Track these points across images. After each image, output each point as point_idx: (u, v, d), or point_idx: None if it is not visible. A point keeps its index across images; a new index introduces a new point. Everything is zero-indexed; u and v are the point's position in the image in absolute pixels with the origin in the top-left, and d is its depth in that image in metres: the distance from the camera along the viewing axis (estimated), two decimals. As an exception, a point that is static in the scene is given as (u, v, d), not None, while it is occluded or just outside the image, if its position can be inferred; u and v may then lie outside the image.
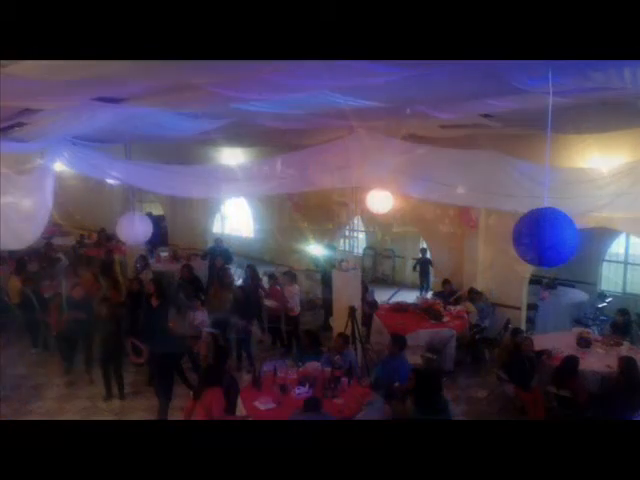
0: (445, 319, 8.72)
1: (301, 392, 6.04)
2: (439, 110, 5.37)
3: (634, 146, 7.31)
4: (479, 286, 9.68)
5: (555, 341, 7.64)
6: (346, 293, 8.21)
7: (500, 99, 4.62)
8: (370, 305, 9.24)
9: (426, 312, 8.86)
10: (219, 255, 11.74)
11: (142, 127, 6.32)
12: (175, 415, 6.78)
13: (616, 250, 11.31)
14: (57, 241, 14.80)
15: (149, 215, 9.68)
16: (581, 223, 4.93)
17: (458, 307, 9.17)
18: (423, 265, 12.29)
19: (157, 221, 13.18)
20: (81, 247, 14.50)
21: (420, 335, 8.25)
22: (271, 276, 10.13)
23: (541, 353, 7.18)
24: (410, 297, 10.81)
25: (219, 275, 10.44)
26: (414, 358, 7.57)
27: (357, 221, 13.14)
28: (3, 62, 2.68)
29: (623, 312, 8.43)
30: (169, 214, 16.12)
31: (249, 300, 8.90)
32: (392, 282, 13.90)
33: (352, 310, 7.77)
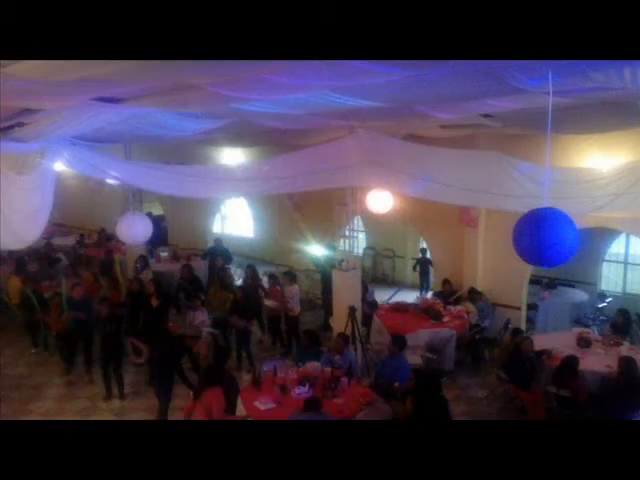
0: (445, 319, 8.72)
1: (301, 392, 6.04)
2: (439, 110, 5.36)
3: (634, 146, 7.32)
4: (479, 286, 9.68)
5: (555, 341, 7.64)
6: (346, 293, 8.21)
7: (500, 99, 4.62)
8: (370, 305, 9.23)
9: (426, 312, 8.86)
10: (219, 255, 11.75)
11: (142, 127, 6.32)
12: (175, 415, 6.78)
13: (616, 250, 11.30)
14: (57, 241, 14.82)
15: (149, 215, 9.67)
16: (581, 223, 4.93)
17: (458, 307, 9.17)
18: (423, 265, 12.29)
19: (157, 221, 13.17)
20: (81, 247, 14.51)
21: (420, 335, 8.25)
22: (271, 276, 10.13)
23: (541, 353, 7.18)
24: (410, 297, 10.80)
25: (219, 275, 10.46)
26: (414, 358, 7.58)
27: (357, 221, 13.13)
28: (3, 62, 2.68)
29: (623, 312, 8.43)
30: (169, 214, 16.12)
31: (249, 300, 8.90)
32: (392, 282, 13.90)
33: (352, 310, 7.77)
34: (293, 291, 9.27)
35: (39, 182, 5.72)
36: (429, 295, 10.94)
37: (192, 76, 3.37)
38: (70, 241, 15.25)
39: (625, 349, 7.31)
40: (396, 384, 6.25)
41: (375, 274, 14.28)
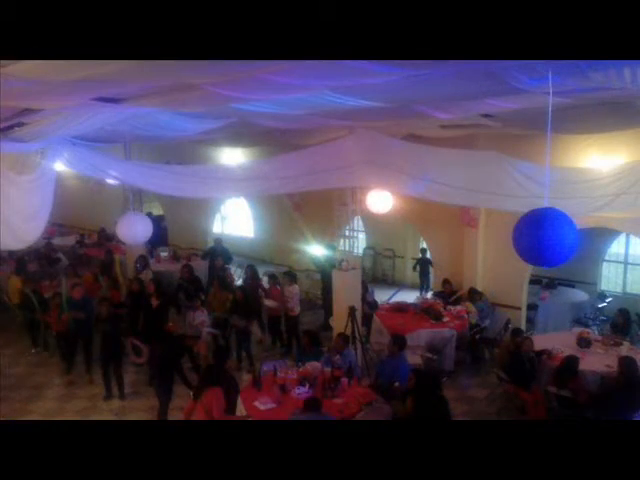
0: (445, 319, 8.72)
1: (301, 392, 6.05)
2: (439, 110, 5.36)
3: (634, 146, 7.32)
4: (479, 286, 9.68)
5: (555, 341, 7.64)
6: (346, 293, 8.21)
7: (500, 99, 4.62)
8: (370, 305, 9.24)
9: (426, 312, 8.87)
10: (219, 255, 11.75)
11: (142, 127, 6.32)
12: (175, 415, 6.78)
13: (616, 250, 11.31)
14: (57, 241, 14.82)
15: (149, 215, 9.67)
16: (581, 223, 4.93)
17: (458, 307, 9.17)
18: (423, 265, 12.30)
19: (157, 221, 13.17)
20: (81, 247, 14.51)
21: (420, 335, 8.26)
22: (271, 276, 10.13)
23: (541, 353, 7.18)
24: (410, 297, 10.80)
25: (219, 275, 10.46)
26: (414, 358, 7.58)
27: (357, 221, 13.14)
28: (3, 62, 2.68)
29: (623, 312, 8.43)
30: (169, 214, 16.12)
31: (249, 300, 8.90)
32: (392, 282, 13.90)
33: (352, 310, 7.78)
34: (293, 291, 9.28)
35: (39, 182, 5.71)
36: (429, 295, 10.94)
37: (192, 76, 3.37)
38: (70, 241, 15.26)
39: (625, 349, 7.31)
40: (396, 384, 6.25)
41: (375, 274, 14.28)
